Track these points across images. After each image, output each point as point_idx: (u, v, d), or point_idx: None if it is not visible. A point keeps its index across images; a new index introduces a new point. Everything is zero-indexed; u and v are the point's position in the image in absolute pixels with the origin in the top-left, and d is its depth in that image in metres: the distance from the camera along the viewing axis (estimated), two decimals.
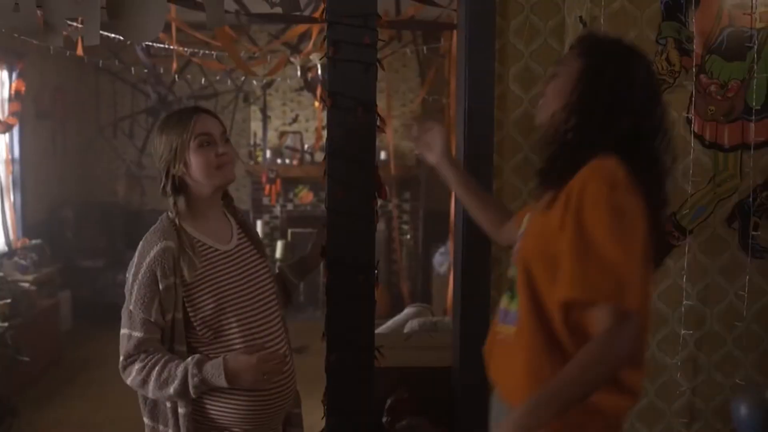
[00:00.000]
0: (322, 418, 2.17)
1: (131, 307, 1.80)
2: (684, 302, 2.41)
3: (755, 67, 2.35)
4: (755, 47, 2.34)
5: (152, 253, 1.79)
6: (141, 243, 1.85)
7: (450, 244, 5.33)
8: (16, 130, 5.81)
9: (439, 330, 3.70)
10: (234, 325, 1.82)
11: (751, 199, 2.39)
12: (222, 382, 1.76)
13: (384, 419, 2.43)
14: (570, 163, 1.48)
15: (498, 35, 2.41)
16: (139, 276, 1.80)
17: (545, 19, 2.45)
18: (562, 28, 2.46)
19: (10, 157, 5.80)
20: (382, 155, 6.76)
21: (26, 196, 6.03)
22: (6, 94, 5.59)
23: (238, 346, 1.81)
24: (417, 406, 2.44)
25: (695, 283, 2.41)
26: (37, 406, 4.58)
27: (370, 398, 2.10)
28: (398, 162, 6.89)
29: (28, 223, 6.02)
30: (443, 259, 6.32)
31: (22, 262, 5.41)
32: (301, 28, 5.09)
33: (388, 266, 7.10)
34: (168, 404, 1.82)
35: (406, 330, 3.97)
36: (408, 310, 4.62)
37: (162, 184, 1.88)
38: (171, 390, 1.76)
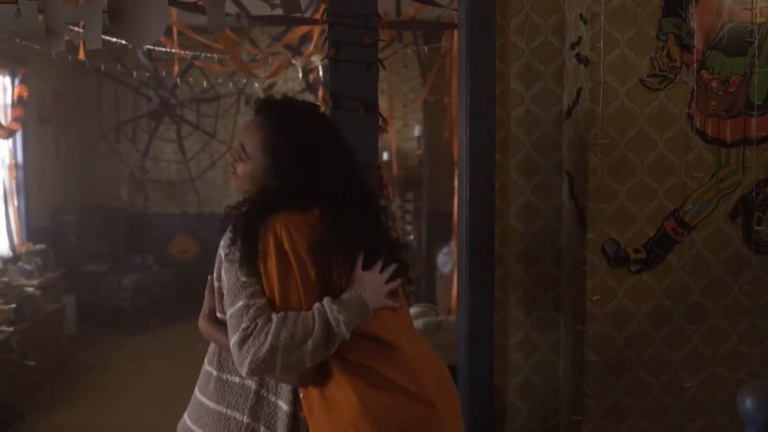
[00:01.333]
0: None
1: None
2: (688, 297, 2.41)
3: (756, 62, 2.35)
4: (756, 42, 2.34)
5: None
6: None
7: (453, 244, 5.33)
8: (19, 136, 5.84)
9: (443, 329, 3.70)
10: None
11: (753, 194, 2.39)
12: (364, 310, 1.59)
13: None
14: (256, 224, 1.62)
15: (499, 33, 2.42)
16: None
17: (545, 16, 2.46)
18: (563, 26, 2.46)
19: (13, 162, 5.82)
20: (385, 156, 6.76)
21: (30, 201, 6.05)
22: (8, 100, 5.61)
23: None
24: None
25: (699, 279, 2.41)
26: (42, 411, 4.58)
27: None
28: (401, 162, 6.90)
29: (32, 228, 6.03)
30: (447, 259, 6.31)
31: (27, 266, 5.42)
32: (302, 29, 5.10)
33: None
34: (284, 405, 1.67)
35: None
36: (412, 310, 4.61)
37: None
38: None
